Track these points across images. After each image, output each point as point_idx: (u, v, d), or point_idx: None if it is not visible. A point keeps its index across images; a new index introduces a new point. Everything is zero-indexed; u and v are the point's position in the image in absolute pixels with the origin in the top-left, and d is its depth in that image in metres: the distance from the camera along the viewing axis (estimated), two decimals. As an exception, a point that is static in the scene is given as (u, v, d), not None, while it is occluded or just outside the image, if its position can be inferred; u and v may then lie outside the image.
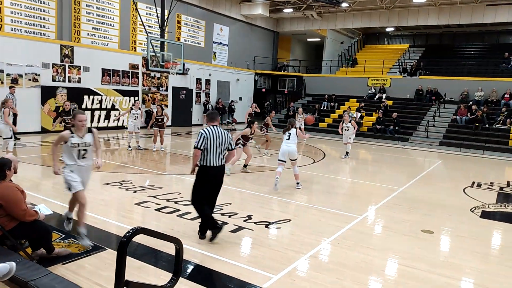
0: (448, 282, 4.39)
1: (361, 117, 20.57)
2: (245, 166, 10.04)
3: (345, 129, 13.19)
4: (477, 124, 17.98)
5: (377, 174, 11.56)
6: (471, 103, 19.60)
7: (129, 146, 12.60)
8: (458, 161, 14.62)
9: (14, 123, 12.93)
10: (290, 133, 8.30)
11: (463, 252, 5.37)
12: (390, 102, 21.65)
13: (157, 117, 12.21)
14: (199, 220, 5.97)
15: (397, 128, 19.06)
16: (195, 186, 5.26)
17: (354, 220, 6.43)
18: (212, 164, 5.12)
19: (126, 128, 13.47)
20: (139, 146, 12.70)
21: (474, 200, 8.28)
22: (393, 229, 6.15)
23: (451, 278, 4.52)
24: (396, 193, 8.57)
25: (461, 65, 23.86)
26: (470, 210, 7.50)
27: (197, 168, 5.25)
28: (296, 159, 8.46)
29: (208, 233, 5.25)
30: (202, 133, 5.12)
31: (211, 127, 5.21)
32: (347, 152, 13.18)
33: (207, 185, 5.21)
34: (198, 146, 5.09)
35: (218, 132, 5.17)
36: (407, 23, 24.22)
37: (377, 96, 22.81)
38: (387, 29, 29.35)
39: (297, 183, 8.45)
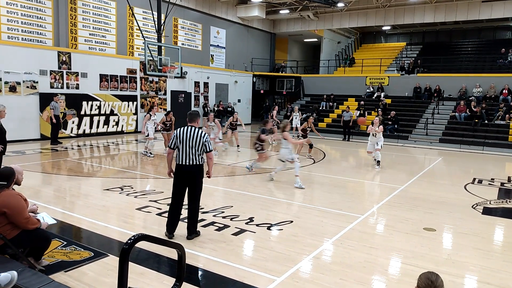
0: (452, 280, 4.38)
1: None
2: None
3: (373, 135, 11.47)
4: (476, 120, 17.99)
5: (378, 173, 11.52)
6: (471, 98, 19.60)
7: (151, 153, 12.31)
8: (458, 157, 14.61)
9: (57, 129, 14.76)
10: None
11: (465, 249, 5.36)
12: (388, 101, 21.66)
13: (165, 122, 12.60)
14: (201, 223, 5.98)
15: (396, 126, 19.07)
16: (172, 185, 5.44)
17: (356, 220, 6.42)
18: (181, 163, 5.23)
19: (124, 133, 13.45)
20: (146, 151, 12.61)
21: (476, 196, 8.27)
22: (395, 228, 6.14)
23: (455, 276, 4.51)
24: (397, 191, 8.56)
25: (458, 62, 23.88)
26: (472, 206, 7.49)
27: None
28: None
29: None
30: (174, 133, 5.32)
31: (186, 127, 5.28)
32: (378, 161, 11.47)
33: (178, 183, 5.32)
34: (170, 146, 5.35)
35: (191, 133, 5.19)
36: (404, 21, 24.25)
37: (375, 95, 22.81)
38: (383, 28, 29.40)
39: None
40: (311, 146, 13.15)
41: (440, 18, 23.04)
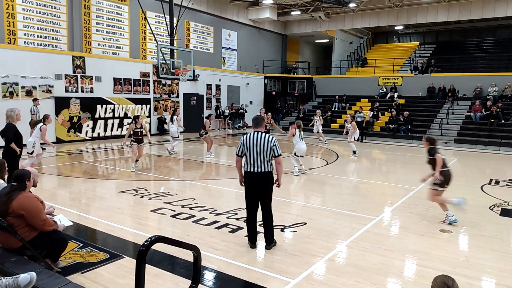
0: (469, 283, 4.30)
1: (374, 116, 20.38)
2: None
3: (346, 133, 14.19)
4: (492, 120, 17.69)
5: (392, 174, 11.43)
6: (488, 97, 19.24)
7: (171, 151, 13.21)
8: (474, 158, 14.38)
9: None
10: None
11: (483, 251, 5.26)
12: (402, 101, 21.45)
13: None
14: (215, 225, 6.01)
15: (409, 127, 18.87)
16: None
17: (371, 222, 6.36)
18: (250, 170, 5.08)
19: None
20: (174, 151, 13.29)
21: (493, 197, 8.13)
22: (410, 230, 6.07)
23: (472, 278, 4.43)
24: (412, 193, 8.46)
25: (473, 61, 23.52)
26: (489, 208, 7.36)
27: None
28: None
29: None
30: (240, 140, 5.19)
31: (252, 132, 5.15)
32: (353, 151, 13.68)
33: (248, 191, 5.18)
34: (236, 153, 5.20)
35: (258, 138, 5.04)
36: (416, 20, 24.00)
37: (388, 95, 22.62)
38: (396, 28, 29.16)
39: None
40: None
41: (454, 16, 22.74)
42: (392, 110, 19.85)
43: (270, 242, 5.19)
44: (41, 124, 8.93)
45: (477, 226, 6.34)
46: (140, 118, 10.68)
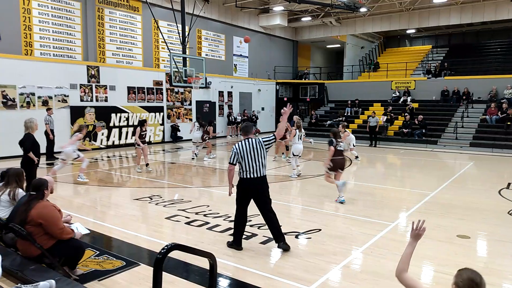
0: (489, 289, 4.22)
1: (388, 120, 20.21)
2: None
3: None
4: (508, 123, 17.38)
5: (407, 179, 11.30)
6: (502, 100, 18.94)
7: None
8: (490, 162, 14.13)
9: (52, 144, 13.63)
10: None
11: (502, 257, 5.16)
12: (416, 105, 21.24)
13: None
14: (229, 232, 6.02)
15: (424, 130, 18.66)
16: (236, 199, 5.37)
17: (386, 228, 6.30)
18: (247, 176, 5.17)
19: (151, 143, 13.84)
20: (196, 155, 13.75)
21: (511, 202, 7.97)
22: (427, 236, 5.88)
23: (492, 285, 4.33)
24: (427, 198, 8.35)
25: (487, 63, 23.21)
26: (508, 212, 7.22)
27: (234, 186, 5.38)
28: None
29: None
30: (233, 149, 5.24)
31: (244, 140, 5.25)
32: (356, 156, 13.81)
33: (244, 197, 5.28)
34: (230, 161, 5.26)
35: (250, 144, 5.17)
36: (429, 24, 23.82)
37: (402, 99, 22.43)
38: (408, 31, 28.97)
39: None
40: (287, 148, 13.49)
41: (467, 19, 22.50)
42: (406, 114, 19.66)
43: (284, 239, 5.25)
44: (78, 133, 10.28)
45: (495, 231, 6.22)
46: (147, 122, 11.98)
